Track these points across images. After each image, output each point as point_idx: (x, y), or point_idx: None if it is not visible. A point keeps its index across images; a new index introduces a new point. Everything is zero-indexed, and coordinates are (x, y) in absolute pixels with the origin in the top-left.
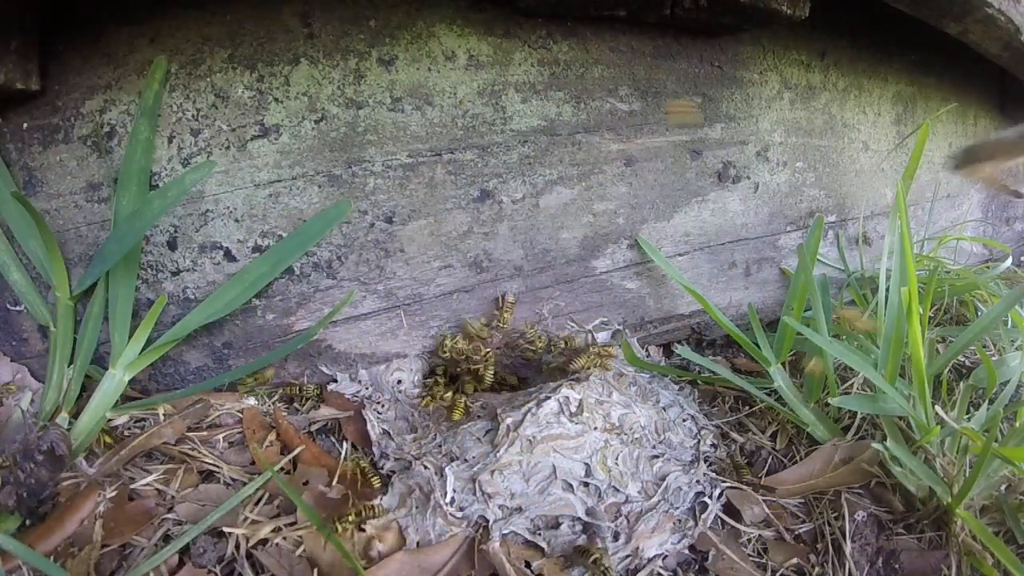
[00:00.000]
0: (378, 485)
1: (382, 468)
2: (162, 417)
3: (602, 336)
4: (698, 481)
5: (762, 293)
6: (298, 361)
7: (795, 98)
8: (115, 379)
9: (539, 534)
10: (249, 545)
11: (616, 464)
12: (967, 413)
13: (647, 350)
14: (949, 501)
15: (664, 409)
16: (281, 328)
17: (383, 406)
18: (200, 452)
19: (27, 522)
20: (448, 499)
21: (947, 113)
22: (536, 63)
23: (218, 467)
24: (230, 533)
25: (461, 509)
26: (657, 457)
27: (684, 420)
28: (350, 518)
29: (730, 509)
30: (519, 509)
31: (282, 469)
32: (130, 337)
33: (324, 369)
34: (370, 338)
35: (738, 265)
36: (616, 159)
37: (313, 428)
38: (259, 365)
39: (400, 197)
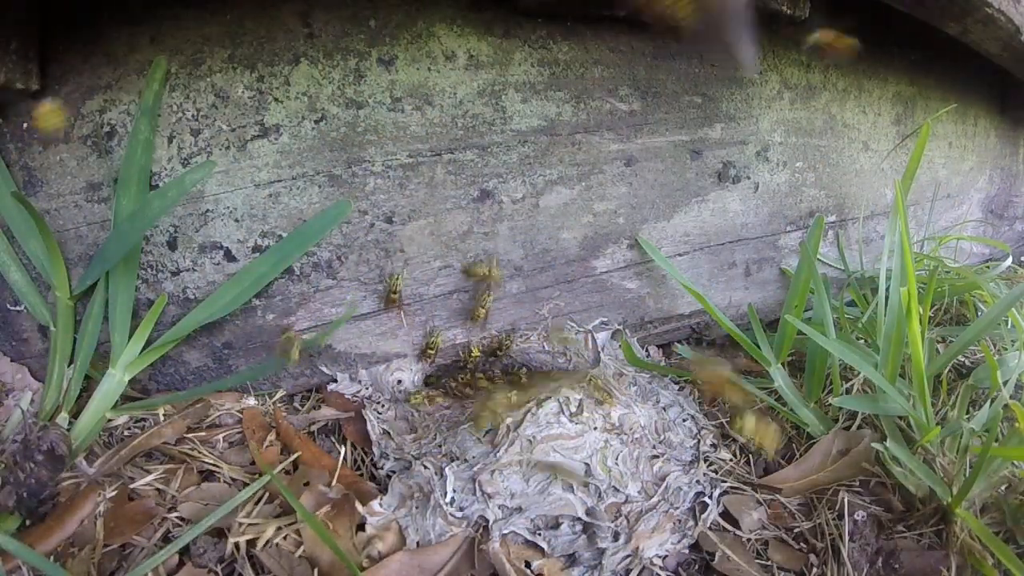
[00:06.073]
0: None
1: (382, 468)
2: (162, 417)
3: (602, 336)
4: (698, 481)
5: (762, 293)
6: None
7: (795, 98)
8: (115, 379)
9: (539, 534)
10: (249, 544)
11: (616, 464)
12: (967, 413)
13: (647, 350)
14: (949, 501)
15: (664, 409)
16: (281, 328)
17: (383, 406)
18: (200, 452)
19: (27, 522)
20: (448, 499)
21: (947, 113)
22: (536, 63)
23: (218, 467)
24: (230, 533)
25: (461, 509)
26: (657, 457)
27: (684, 420)
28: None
29: (730, 509)
30: (519, 509)
31: (283, 469)
32: (130, 337)
33: (324, 369)
34: (370, 338)
35: (738, 265)
36: (616, 159)
37: (313, 428)
38: (260, 372)
39: (400, 197)
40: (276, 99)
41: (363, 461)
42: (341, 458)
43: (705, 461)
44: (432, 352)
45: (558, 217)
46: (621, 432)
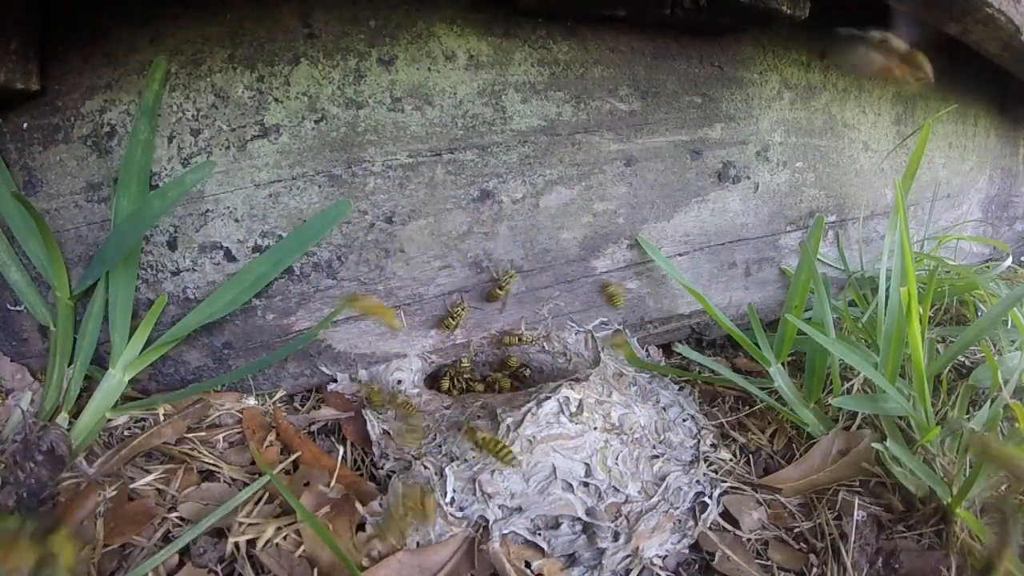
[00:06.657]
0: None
1: (382, 468)
2: (162, 417)
3: (602, 336)
4: (698, 481)
5: (762, 293)
6: (298, 361)
7: (795, 98)
8: (115, 379)
9: (539, 534)
10: (249, 544)
11: (616, 464)
12: (967, 413)
13: (647, 350)
14: (949, 501)
15: (664, 409)
16: (281, 328)
17: (383, 406)
18: (200, 452)
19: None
20: (448, 499)
21: (947, 113)
22: (536, 63)
23: (218, 467)
24: (230, 533)
25: (461, 509)
26: (657, 457)
27: (684, 420)
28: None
29: (730, 509)
30: (519, 509)
31: (283, 469)
32: (130, 337)
33: (324, 369)
34: (370, 338)
35: (738, 265)
36: (616, 159)
37: (313, 428)
38: (259, 366)
39: (400, 197)
40: (276, 99)
41: (363, 461)
42: (341, 458)
43: (705, 461)
44: (452, 323)
45: (558, 217)
46: (621, 432)
